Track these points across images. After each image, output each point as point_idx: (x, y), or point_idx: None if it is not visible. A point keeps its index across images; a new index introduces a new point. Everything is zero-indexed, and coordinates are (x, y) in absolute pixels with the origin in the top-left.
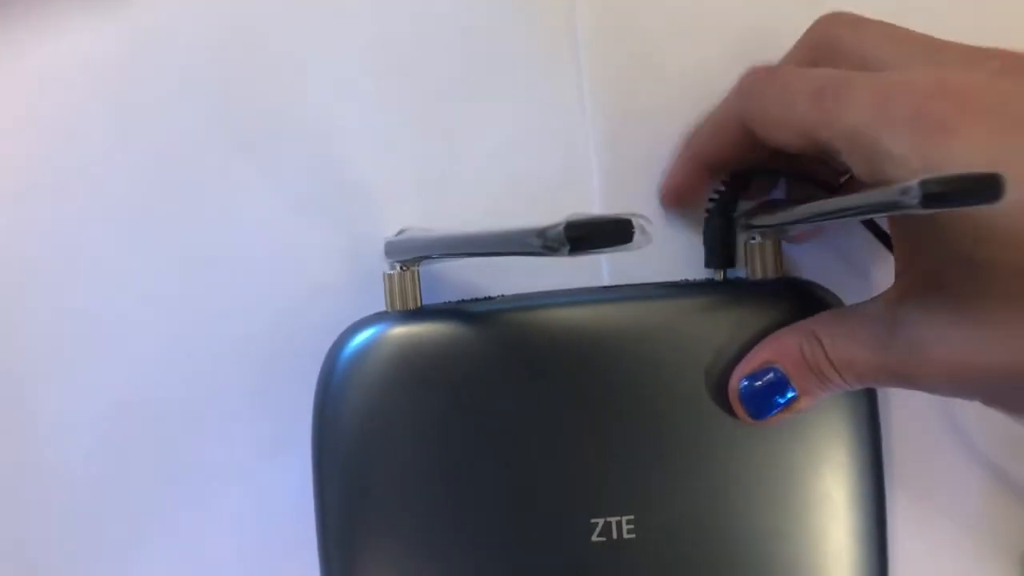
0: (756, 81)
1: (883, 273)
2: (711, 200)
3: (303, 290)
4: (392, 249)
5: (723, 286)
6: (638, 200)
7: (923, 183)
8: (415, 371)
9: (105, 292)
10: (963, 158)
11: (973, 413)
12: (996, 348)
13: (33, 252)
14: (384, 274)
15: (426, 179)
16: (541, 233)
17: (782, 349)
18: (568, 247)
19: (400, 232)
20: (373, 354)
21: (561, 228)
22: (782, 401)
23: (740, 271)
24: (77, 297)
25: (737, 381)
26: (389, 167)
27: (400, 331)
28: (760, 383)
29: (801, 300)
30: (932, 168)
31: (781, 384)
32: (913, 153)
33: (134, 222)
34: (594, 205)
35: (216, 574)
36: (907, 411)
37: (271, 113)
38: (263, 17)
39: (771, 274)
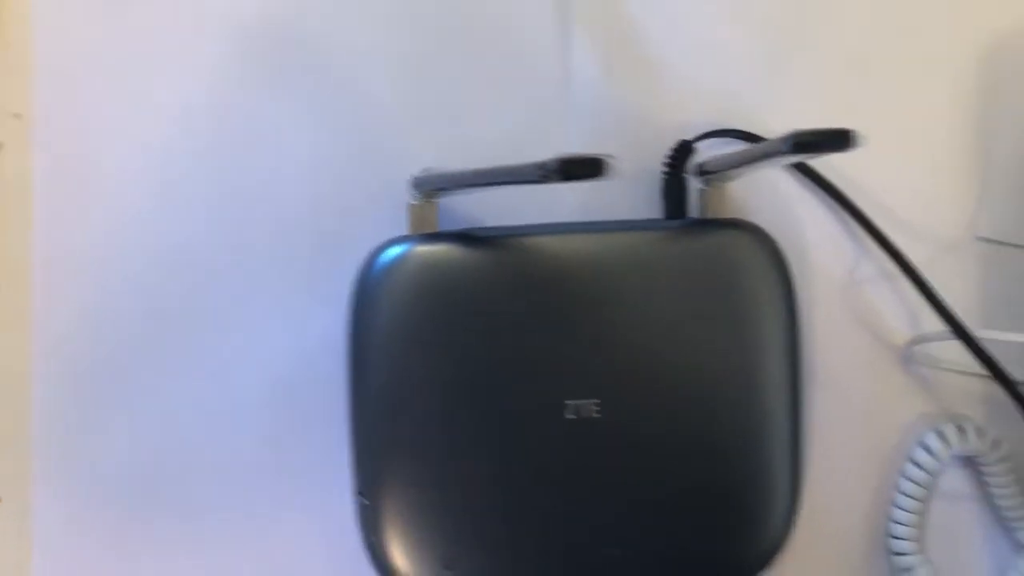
0: None
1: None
2: (665, 163)
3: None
4: (418, 183)
5: (679, 222)
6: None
7: (795, 134)
8: (430, 282)
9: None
10: None
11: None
12: None
13: None
14: (408, 204)
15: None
16: (541, 165)
17: None
18: (561, 176)
19: (424, 170)
20: (398, 267)
21: (557, 161)
22: None
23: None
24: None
25: None
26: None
27: (420, 249)
28: None
29: (737, 232)
30: None
31: None
32: None
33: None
34: None
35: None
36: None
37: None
38: None
39: (717, 215)
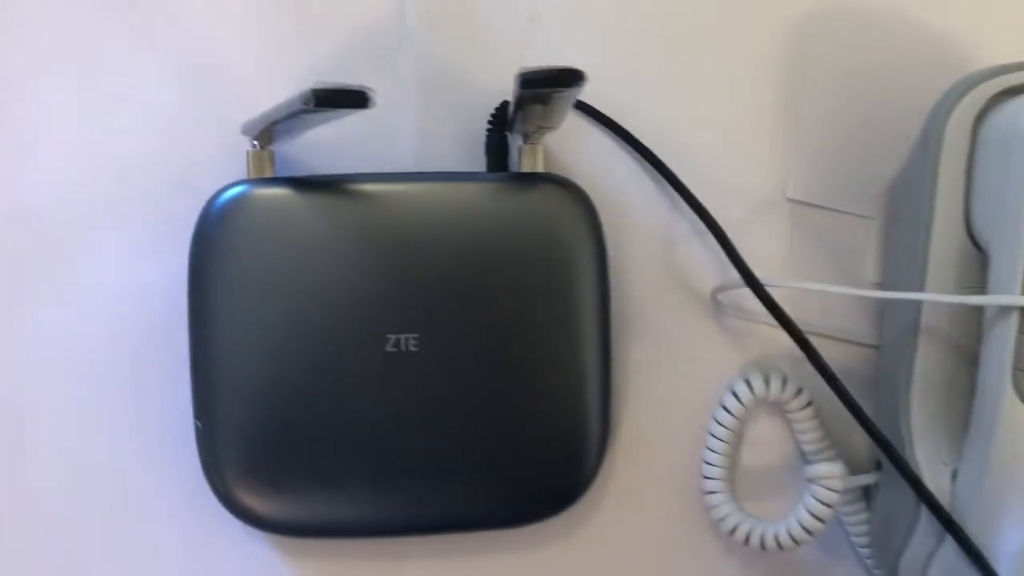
0: None
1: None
2: (489, 121)
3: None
4: (245, 128)
5: (500, 174)
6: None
7: (523, 71)
8: (262, 223)
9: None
10: None
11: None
12: None
13: None
14: (247, 152)
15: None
16: (302, 94)
17: None
18: (314, 102)
19: None
20: (232, 208)
21: (310, 90)
22: None
23: None
24: None
25: None
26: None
27: (254, 192)
28: None
29: (550, 185)
30: None
31: None
32: None
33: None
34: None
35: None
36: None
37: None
38: None
39: (534, 170)
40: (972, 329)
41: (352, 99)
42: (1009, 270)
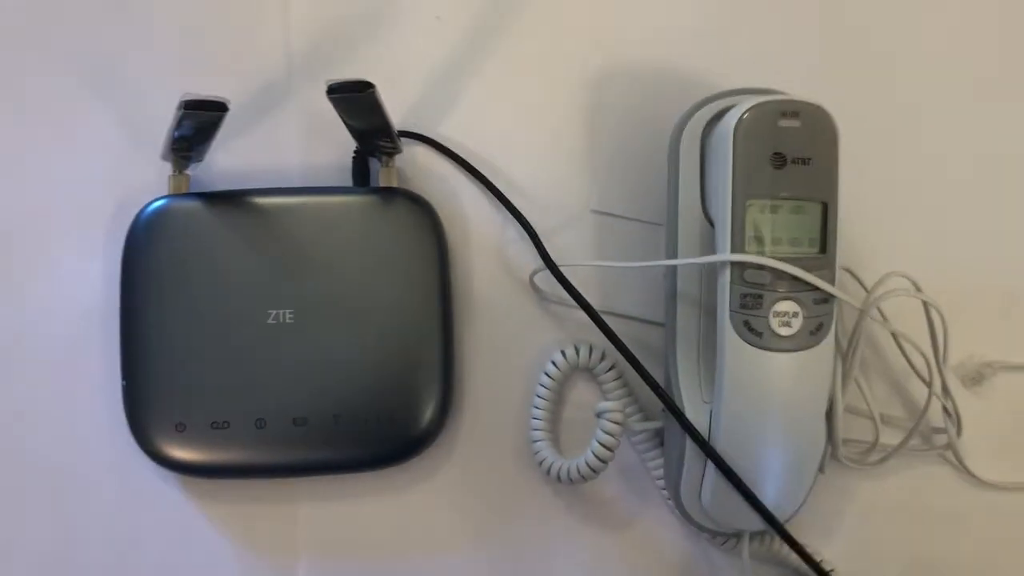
0: None
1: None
2: (355, 150)
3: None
4: (162, 155)
5: (361, 189)
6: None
7: (328, 82)
8: (175, 227)
9: None
10: None
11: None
12: None
13: None
14: (168, 176)
15: None
16: (178, 103)
17: None
18: (184, 107)
19: None
20: (152, 217)
21: (182, 101)
22: None
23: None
24: None
25: None
26: None
27: (170, 205)
28: None
29: (400, 197)
30: None
31: None
32: None
33: None
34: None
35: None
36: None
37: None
38: None
39: (390, 185)
40: (715, 291)
41: (212, 105)
42: (723, 235)
